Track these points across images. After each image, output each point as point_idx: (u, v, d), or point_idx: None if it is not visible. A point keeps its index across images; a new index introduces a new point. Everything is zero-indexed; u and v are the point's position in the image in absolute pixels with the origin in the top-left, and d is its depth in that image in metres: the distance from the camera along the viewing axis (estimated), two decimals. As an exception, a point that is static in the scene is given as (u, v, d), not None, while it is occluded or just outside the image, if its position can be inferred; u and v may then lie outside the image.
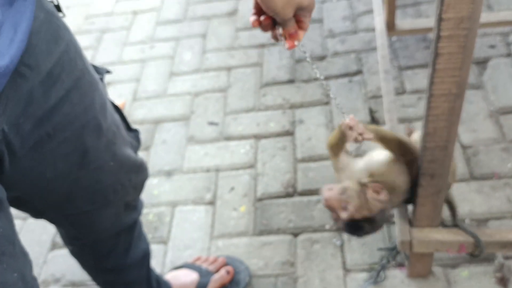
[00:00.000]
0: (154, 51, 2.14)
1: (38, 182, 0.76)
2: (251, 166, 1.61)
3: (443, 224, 1.11)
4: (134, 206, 1.03)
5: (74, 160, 0.79)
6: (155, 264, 1.40)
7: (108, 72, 0.91)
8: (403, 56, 1.81)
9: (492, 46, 1.76)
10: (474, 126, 1.54)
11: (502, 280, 1.20)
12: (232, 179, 1.59)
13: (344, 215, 0.92)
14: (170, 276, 1.32)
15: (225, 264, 1.35)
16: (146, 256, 1.14)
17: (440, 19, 0.70)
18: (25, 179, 0.73)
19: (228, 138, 1.71)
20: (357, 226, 0.94)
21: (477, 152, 1.47)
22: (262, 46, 2.03)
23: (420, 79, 1.72)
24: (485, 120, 1.55)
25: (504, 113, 1.55)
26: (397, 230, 1.10)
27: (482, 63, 1.72)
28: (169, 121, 1.82)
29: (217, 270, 1.33)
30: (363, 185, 0.92)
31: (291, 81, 1.86)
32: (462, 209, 1.36)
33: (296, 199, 1.49)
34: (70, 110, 0.74)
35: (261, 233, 1.43)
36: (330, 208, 0.95)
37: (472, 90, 1.64)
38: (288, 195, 1.50)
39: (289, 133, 1.67)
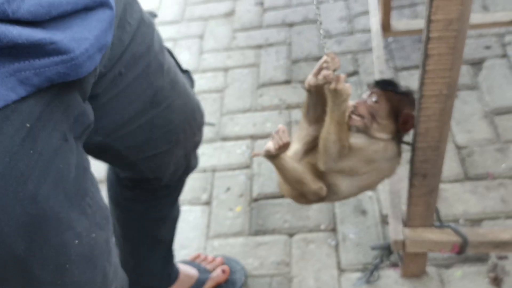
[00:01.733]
0: (152, 51, 2.14)
1: (119, 123, 0.79)
2: (247, 166, 1.61)
3: (438, 223, 1.11)
4: (197, 148, 1.04)
5: (146, 99, 0.81)
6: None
7: (155, 15, 0.94)
8: (399, 57, 1.82)
9: (488, 47, 1.77)
10: (469, 126, 1.55)
11: (496, 280, 1.21)
12: (228, 179, 1.59)
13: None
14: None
15: (222, 264, 1.36)
16: (176, 221, 1.16)
17: (429, 21, 0.71)
18: (107, 121, 0.76)
19: (225, 139, 1.72)
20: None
21: (471, 153, 1.48)
22: (259, 47, 2.04)
23: (415, 80, 1.72)
24: (480, 120, 1.56)
25: (499, 114, 1.56)
26: (390, 230, 1.11)
27: (478, 63, 1.73)
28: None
29: (214, 269, 1.34)
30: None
31: (287, 82, 1.86)
32: (457, 209, 1.36)
33: (292, 199, 1.49)
34: (136, 49, 0.77)
35: (257, 233, 1.44)
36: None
37: (467, 90, 1.65)
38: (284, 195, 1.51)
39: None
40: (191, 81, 1.02)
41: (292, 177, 0.92)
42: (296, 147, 0.96)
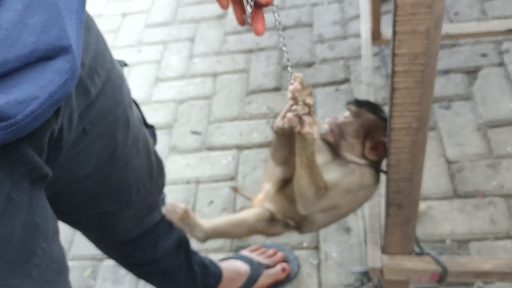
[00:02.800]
0: (141, 55, 2.10)
1: (70, 181, 0.74)
2: (232, 178, 1.58)
3: (417, 249, 1.07)
4: (155, 207, 1.00)
5: (105, 157, 0.76)
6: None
7: (125, 65, 0.90)
8: (392, 64, 1.76)
9: (484, 55, 1.71)
10: (461, 139, 1.49)
11: (480, 306, 1.16)
12: (212, 191, 1.56)
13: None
14: (223, 263, 1.30)
15: (284, 261, 1.32)
16: (181, 243, 1.12)
17: (393, 54, 0.66)
18: (59, 178, 0.69)
19: (210, 148, 1.68)
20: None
21: (462, 168, 1.43)
22: (250, 51, 1.99)
23: (408, 88, 1.67)
24: (472, 133, 1.50)
25: (492, 127, 1.50)
26: (368, 256, 1.07)
27: (473, 72, 1.67)
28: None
29: (274, 265, 1.31)
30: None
31: (277, 89, 1.82)
32: (443, 228, 1.31)
33: (275, 214, 1.45)
34: (105, 103, 0.72)
35: (238, 249, 1.40)
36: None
37: (460, 101, 1.59)
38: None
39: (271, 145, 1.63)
40: (154, 137, 0.97)
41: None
42: (267, 187, 0.92)
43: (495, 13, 1.81)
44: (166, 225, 1.06)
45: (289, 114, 0.75)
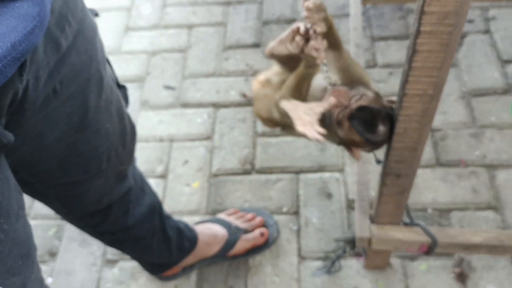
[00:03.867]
0: (109, 1, 1.94)
1: (34, 148, 0.63)
2: (208, 137, 1.50)
3: (407, 220, 1.04)
4: (125, 176, 0.90)
5: (74, 121, 0.66)
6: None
7: (96, 14, 0.78)
8: (377, 25, 1.70)
9: (470, 21, 1.66)
10: (445, 107, 1.46)
11: (461, 276, 1.16)
12: (187, 151, 1.48)
13: (356, 103, 0.72)
14: (199, 227, 1.24)
15: (262, 225, 1.27)
16: (154, 208, 1.04)
17: (422, 12, 0.59)
18: (23, 145, 0.59)
19: (185, 105, 1.59)
20: (370, 123, 0.73)
21: (445, 136, 1.40)
22: (227, 3, 1.87)
23: (393, 51, 1.62)
24: (456, 101, 1.48)
25: (477, 95, 1.48)
26: (356, 225, 1.03)
27: (458, 38, 1.63)
28: (122, 82, 1.67)
29: (252, 229, 1.25)
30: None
31: (256, 45, 1.72)
32: (426, 197, 1.30)
33: (254, 177, 1.40)
34: (77, 59, 0.61)
35: (214, 212, 1.34)
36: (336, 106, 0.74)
37: (445, 67, 1.55)
38: (246, 172, 1.41)
39: (251, 103, 1.56)
40: (126, 99, 0.87)
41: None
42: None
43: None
44: (138, 190, 0.98)
45: (298, 38, 0.69)
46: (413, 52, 0.64)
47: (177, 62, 1.71)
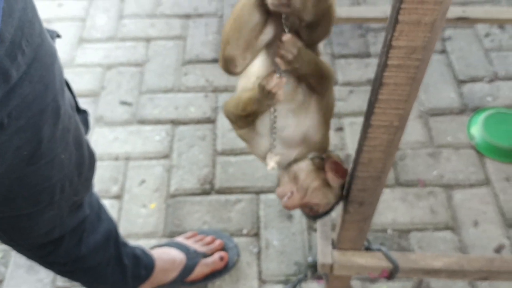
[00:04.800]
0: (62, 10, 1.87)
1: None
2: (166, 156, 1.45)
3: (366, 243, 1.03)
4: (80, 205, 0.84)
5: (24, 154, 0.61)
6: (48, 268, 1.23)
7: (58, 36, 0.72)
8: (337, 43, 1.70)
9: (427, 41, 1.69)
10: (403, 127, 1.47)
11: (420, 298, 1.16)
12: (144, 170, 1.42)
13: (311, 212, 0.82)
14: (156, 251, 1.18)
15: (222, 249, 1.22)
16: (109, 236, 0.98)
17: (389, 46, 0.58)
18: None
19: (142, 122, 1.53)
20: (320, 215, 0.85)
21: (404, 156, 1.41)
22: (187, 16, 1.83)
23: (353, 70, 1.63)
24: (414, 120, 1.49)
25: (434, 115, 1.50)
26: (319, 251, 1.01)
27: (416, 58, 1.66)
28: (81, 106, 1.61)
29: (211, 253, 1.21)
30: (316, 163, 0.79)
31: (216, 61, 1.69)
32: (385, 217, 1.30)
33: (213, 197, 1.36)
34: (30, 90, 0.56)
35: (172, 234, 1.30)
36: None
37: (404, 87, 1.57)
38: (205, 192, 1.37)
39: (210, 120, 1.52)
40: (87, 124, 0.82)
41: None
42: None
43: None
44: (94, 217, 0.93)
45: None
46: (379, 85, 0.63)
47: (134, 77, 1.65)
